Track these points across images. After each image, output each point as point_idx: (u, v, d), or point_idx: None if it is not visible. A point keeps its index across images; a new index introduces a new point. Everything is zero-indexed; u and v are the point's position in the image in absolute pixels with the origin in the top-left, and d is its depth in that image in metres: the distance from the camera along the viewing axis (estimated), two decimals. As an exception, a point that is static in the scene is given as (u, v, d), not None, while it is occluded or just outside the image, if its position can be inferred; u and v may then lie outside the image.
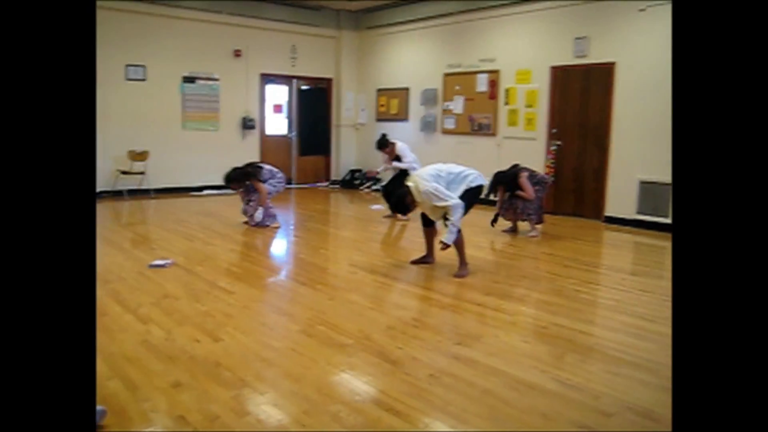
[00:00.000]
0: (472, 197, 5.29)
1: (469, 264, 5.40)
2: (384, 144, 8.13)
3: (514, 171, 7.22)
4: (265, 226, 7.39)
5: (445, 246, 5.09)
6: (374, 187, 11.54)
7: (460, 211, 5.05)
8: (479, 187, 5.37)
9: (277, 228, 7.43)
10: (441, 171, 5.22)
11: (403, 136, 10.01)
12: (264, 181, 7.33)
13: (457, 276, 5.23)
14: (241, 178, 7.34)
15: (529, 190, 7.06)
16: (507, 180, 7.18)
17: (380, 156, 8.58)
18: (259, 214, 7.31)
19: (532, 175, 7.23)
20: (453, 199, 5.03)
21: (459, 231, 5.17)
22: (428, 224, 5.60)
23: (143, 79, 10.12)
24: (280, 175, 7.57)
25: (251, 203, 7.42)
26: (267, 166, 7.55)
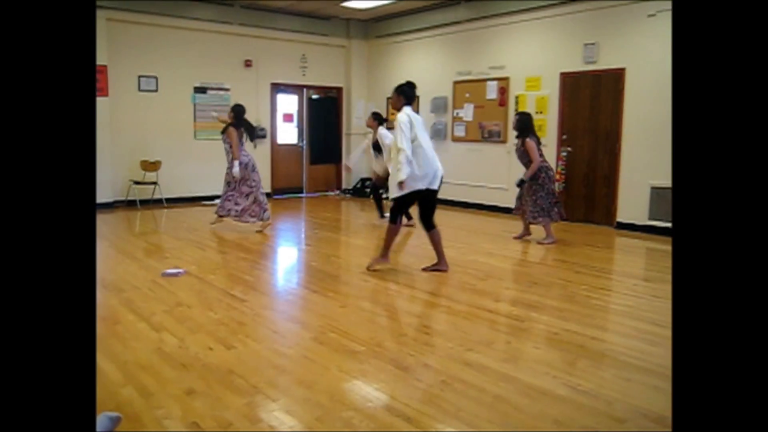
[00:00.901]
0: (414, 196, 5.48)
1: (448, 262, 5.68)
2: (380, 118, 8.54)
3: (523, 136, 7.00)
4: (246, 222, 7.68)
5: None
6: (384, 195, 11.55)
7: (404, 160, 5.23)
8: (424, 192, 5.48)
9: (268, 225, 7.67)
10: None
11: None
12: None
13: (427, 269, 5.63)
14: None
15: (534, 156, 6.90)
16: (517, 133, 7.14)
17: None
18: (235, 170, 7.43)
19: (539, 146, 7.07)
20: (406, 150, 5.25)
21: (435, 228, 5.57)
22: (429, 228, 5.64)
23: (155, 90, 10.22)
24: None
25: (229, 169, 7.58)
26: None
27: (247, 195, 7.64)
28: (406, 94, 5.64)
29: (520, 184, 7.21)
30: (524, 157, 7.06)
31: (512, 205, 9.45)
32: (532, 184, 7.09)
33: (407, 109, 5.55)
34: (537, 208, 7.11)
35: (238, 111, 7.55)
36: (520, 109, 9.38)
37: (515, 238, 7.41)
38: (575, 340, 3.85)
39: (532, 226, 7.37)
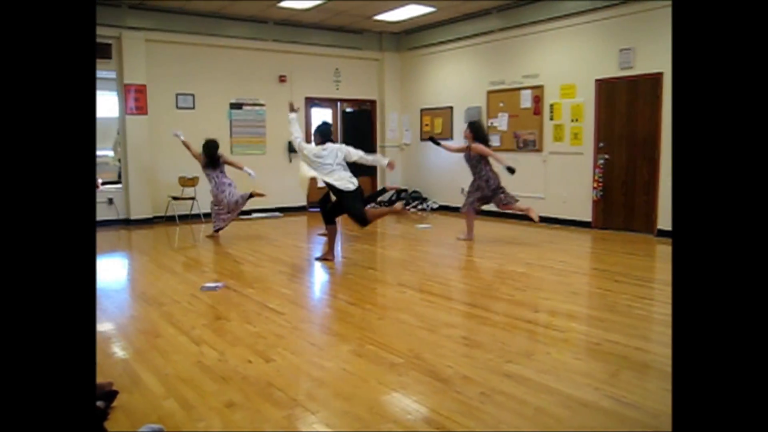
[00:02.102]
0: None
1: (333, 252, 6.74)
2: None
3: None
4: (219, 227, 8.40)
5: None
6: (420, 207, 11.55)
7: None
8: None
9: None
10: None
11: (449, 155, 10.01)
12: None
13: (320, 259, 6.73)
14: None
15: (487, 151, 7.63)
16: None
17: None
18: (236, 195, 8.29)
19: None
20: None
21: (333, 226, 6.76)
22: (331, 222, 6.73)
23: (192, 108, 10.42)
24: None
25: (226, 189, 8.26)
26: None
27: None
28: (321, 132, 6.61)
29: (512, 172, 7.53)
30: (472, 160, 7.68)
31: (550, 214, 9.41)
32: (478, 180, 7.71)
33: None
34: (469, 200, 7.80)
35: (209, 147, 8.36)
36: (555, 118, 9.31)
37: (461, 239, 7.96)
38: (618, 351, 3.77)
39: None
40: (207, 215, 10.31)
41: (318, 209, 8.95)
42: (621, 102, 8.50)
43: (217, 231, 8.52)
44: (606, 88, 8.66)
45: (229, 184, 8.33)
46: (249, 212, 10.77)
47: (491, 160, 7.67)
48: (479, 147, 7.62)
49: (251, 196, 8.35)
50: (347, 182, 6.37)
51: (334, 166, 6.39)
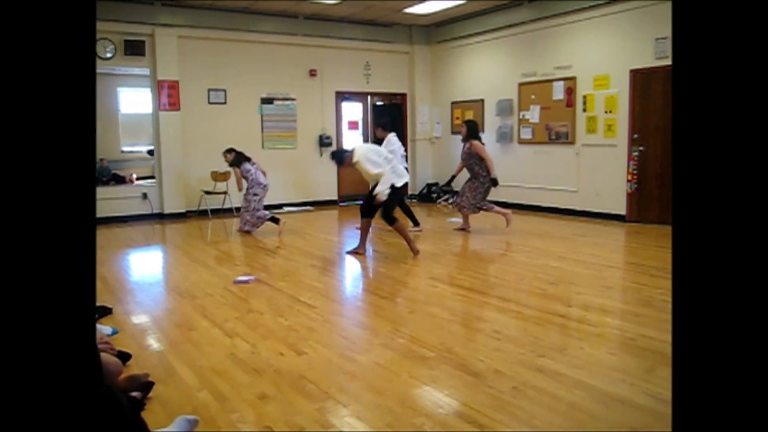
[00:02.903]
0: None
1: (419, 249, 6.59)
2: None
3: (471, 139, 7.94)
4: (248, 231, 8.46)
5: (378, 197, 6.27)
6: (451, 201, 11.51)
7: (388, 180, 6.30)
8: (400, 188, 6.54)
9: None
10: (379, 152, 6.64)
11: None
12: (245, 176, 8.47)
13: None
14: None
15: (486, 155, 7.84)
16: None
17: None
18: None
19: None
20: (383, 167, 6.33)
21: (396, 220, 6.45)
22: (366, 215, 6.67)
23: (224, 103, 10.52)
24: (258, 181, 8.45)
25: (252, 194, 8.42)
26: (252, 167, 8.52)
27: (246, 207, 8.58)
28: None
29: (495, 184, 7.92)
30: (470, 159, 7.90)
31: (582, 207, 9.30)
32: (475, 182, 7.91)
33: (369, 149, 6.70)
34: (470, 202, 7.92)
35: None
36: (588, 110, 9.18)
37: (456, 230, 8.25)
38: (653, 347, 3.70)
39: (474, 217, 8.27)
40: (238, 209, 10.43)
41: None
42: (656, 93, 8.33)
43: (246, 230, 8.58)
44: (641, 79, 8.50)
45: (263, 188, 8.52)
46: (280, 206, 10.86)
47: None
48: (479, 146, 7.86)
49: (273, 219, 8.44)
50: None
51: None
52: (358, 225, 7.69)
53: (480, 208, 7.97)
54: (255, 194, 8.40)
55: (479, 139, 8.03)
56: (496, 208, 8.08)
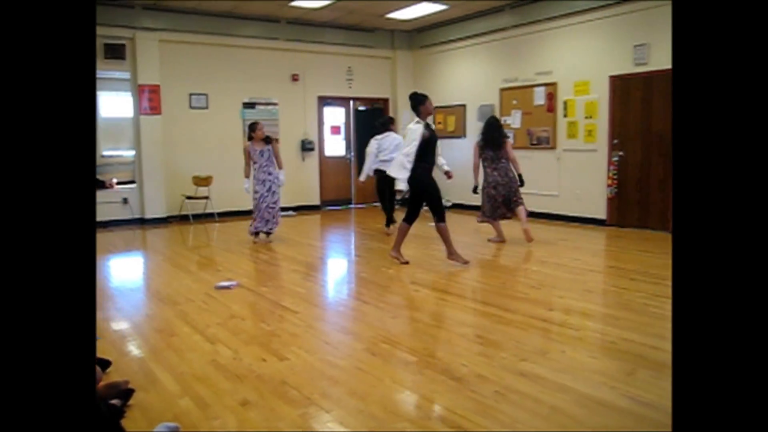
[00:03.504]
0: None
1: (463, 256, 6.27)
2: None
3: (501, 133, 7.54)
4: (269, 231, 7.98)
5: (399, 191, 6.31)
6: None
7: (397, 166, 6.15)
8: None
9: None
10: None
11: (462, 154, 10.01)
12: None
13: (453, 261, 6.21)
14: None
15: (513, 156, 7.52)
16: (494, 141, 7.50)
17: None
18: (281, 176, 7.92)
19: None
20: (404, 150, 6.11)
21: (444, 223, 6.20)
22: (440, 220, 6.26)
23: (206, 107, 10.47)
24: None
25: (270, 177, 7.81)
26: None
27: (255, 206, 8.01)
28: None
29: (474, 191, 7.67)
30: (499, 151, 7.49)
31: (563, 212, 9.36)
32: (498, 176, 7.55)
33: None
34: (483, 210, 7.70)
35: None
36: (569, 115, 9.26)
37: (491, 240, 7.79)
38: (634, 350, 3.74)
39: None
40: (220, 214, 10.37)
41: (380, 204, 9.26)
42: (635, 98, 8.43)
43: (256, 234, 8.12)
44: (620, 85, 8.60)
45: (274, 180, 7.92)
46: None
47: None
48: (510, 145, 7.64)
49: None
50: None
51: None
52: (389, 231, 8.14)
53: (502, 216, 7.63)
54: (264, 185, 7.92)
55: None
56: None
